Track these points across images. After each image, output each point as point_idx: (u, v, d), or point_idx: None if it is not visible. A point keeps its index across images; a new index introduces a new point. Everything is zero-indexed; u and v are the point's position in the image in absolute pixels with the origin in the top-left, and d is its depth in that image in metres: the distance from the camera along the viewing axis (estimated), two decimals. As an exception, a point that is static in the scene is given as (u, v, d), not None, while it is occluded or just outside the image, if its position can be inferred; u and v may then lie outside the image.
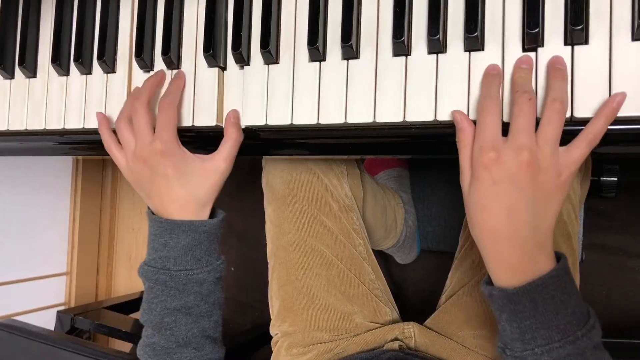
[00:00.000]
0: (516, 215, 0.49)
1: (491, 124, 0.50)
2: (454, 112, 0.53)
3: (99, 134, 0.71)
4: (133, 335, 1.25)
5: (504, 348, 0.53)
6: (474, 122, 0.52)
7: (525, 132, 0.48)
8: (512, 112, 0.50)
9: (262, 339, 1.11)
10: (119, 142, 0.65)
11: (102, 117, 0.68)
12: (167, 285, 0.62)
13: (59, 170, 1.65)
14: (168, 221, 0.62)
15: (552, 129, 0.48)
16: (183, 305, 0.62)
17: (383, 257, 1.26)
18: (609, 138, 0.50)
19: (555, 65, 0.51)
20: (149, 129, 0.62)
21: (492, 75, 0.52)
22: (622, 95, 0.48)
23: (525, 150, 0.48)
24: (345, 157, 0.79)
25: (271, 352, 0.81)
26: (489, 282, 0.54)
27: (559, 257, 0.52)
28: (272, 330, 0.82)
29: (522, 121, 0.49)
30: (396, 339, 0.77)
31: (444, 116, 0.54)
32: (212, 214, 0.66)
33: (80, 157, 1.65)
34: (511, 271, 0.51)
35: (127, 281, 1.75)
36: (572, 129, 0.50)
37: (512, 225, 0.49)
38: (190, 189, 0.62)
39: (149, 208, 0.66)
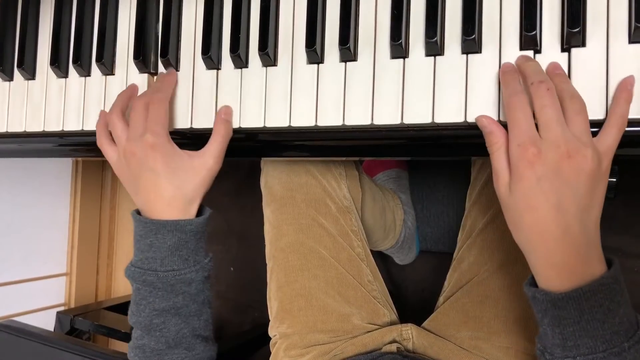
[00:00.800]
0: (565, 211, 0.47)
1: (524, 119, 0.48)
2: (479, 117, 0.52)
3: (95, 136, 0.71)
4: (131, 334, 1.25)
5: (544, 351, 0.51)
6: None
7: (557, 124, 0.47)
8: (534, 106, 0.49)
9: (261, 340, 1.11)
10: (111, 139, 0.65)
11: (103, 114, 0.68)
12: (154, 286, 0.61)
13: (59, 171, 1.65)
14: (153, 221, 0.61)
15: (583, 119, 0.47)
16: (172, 306, 0.62)
17: (382, 258, 1.26)
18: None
19: (556, 70, 0.50)
20: (142, 124, 0.61)
21: (509, 72, 0.51)
22: (631, 77, 0.48)
23: (563, 142, 0.46)
24: (343, 159, 0.79)
25: (270, 352, 0.82)
26: (532, 283, 0.52)
27: (610, 262, 0.49)
28: (271, 332, 0.82)
29: (549, 113, 0.47)
30: (394, 341, 0.77)
31: (441, 118, 0.54)
32: (199, 212, 0.65)
33: (80, 158, 1.65)
34: (562, 273, 0.48)
35: (127, 282, 1.74)
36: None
37: (562, 222, 0.47)
38: (178, 184, 0.61)
39: (134, 210, 0.65)
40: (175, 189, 0.61)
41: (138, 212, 0.64)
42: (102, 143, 0.65)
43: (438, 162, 1.25)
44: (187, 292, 0.62)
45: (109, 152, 0.65)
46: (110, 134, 0.65)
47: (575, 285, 0.47)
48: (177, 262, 0.61)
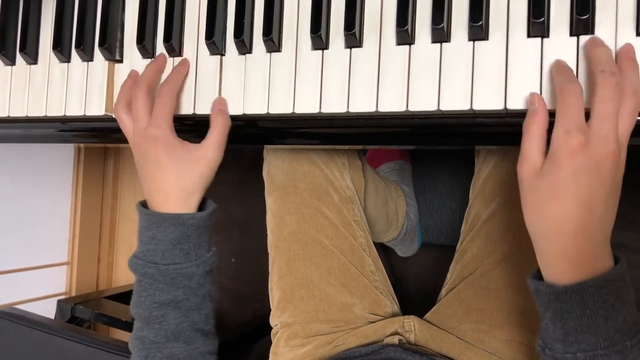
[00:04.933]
0: (594, 208, 0.45)
1: (577, 107, 0.46)
2: (531, 93, 0.50)
3: (100, 121, 0.71)
4: (133, 324, 1.25)
5: (544, 347, 0.50)
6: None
7: (611, 121, 0.45)
8: (596, 94, 0.46)
9: (262, 330, 1.11)
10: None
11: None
12: (155, 279, 0.61)
13: (61, 160, 1.64)
14: (155, 214, 0.61)
15: (632, 121, 0.46)
16: (172, 299, 0.61)
17: (384, 250, 1.25)
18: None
19: (629, 54, 0.48)
20: (146, 115, 0.61)
21: (565, 65, 0.50)
22: None
23: (613, 141, 0.44)
24: (347, 147, 0.78)
25: (271, 343, 0.81)
26: (537, 276, 0.51)
27: (617, 259, 0.49)
28: (272, 321, 0.82)
29: (610, 107, 0.45)
30: (396, 333, 0.77)
31: (447, 106, 0.54)
32: (203, 205, 0.65)
33: (82, 147, 1.64)
34: (575, 265, 0.47)
35: (128, 271, 1.73)
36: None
37: (585, 218, 0.45)
38: (177, 177, 0.61)
39: (139, 202, 0.65)
40: (174, 181, 0.61)
41: (143, 204, 0.64)
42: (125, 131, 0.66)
43: (441, 154, 1.24)
44: (187, 286, 0.62)
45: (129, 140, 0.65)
46: None
47: (582, 279, 0.46)
48: (178, 255, 0.61)
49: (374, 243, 0.85)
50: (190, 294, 0.62)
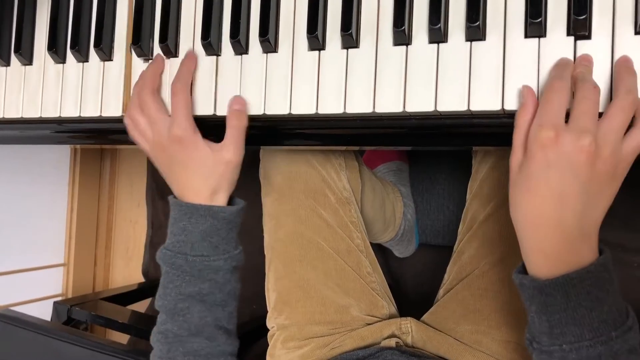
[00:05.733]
0: (565, 203, 0.46)
1: (557, 103, 0.47)
2: (523, 86, 0.51)
3: (96, 123, 0.71)
4: (130, 326, 1.24)
5: (532, 341, 0.51)
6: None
7: (588, 116, 0.46)
8: (575, 99, 0.47)
9: (259, 332, 1.11)
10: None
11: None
12: (182, 270, 0.62)
13: (57, 161, 1.64)
14: (188, 205, 0.62)
15: (622, 119, 0.46)
16: (198, 292, 0.62)
17: (382, 251, 1.25)
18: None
19: (625, 63, 0.49)
20: (162, 117, 0.62)
21: (565, 63, 0.50)
22: None
23: (587, 135, 0.45)
24: (343, 148, 0.78)
25: (268, 345, 0.81)
26: (522, 270, 0.51)
27: (600, 252, 0.49)
28: (269, 323, 0.81)
29: (586, 105, 0.46)
30: (393, 335, 0.76)
31: (444, 107, 0.54)
32: (232, 203, 0.66)
33: (78, 148, 1.64)
34: (550, 260, 0.48)
35: (124, 273, 1.74)
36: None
37: (558, 212, 0.46)
38: (203, 175, 0.62)
39: (171, 196, 0.66)
40: (203, 179, 0.62)
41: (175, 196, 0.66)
42: (134, 136, 0.66)
43: (439, 155, 1.24)
44: (214, 280, 0.63)
45: (142, 145, 0.65)
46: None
47: (562, 273, 0.47)
48: (207, 248, 0.62)
49: (371, 244, 0.85)
50: (215, 289, 0.63)
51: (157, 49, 0.67)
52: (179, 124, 0.61)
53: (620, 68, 0.49)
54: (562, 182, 0.46)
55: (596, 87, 0.47)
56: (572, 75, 0.49)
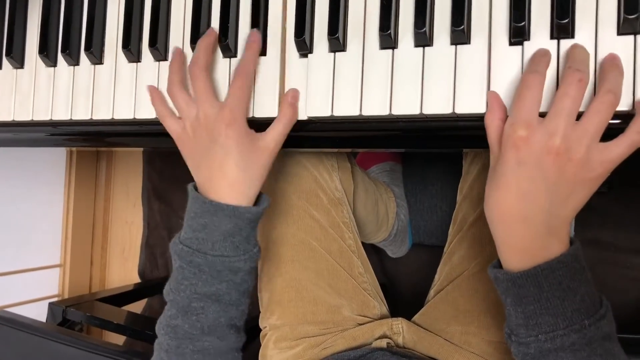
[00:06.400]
0: (533, 201, 0.47)
1: (530, 99, 0.47)
2: (488, 92, 0.52)
3: (90, 125, 0.71)
4: (125, 327, 1.24)
5: (510, 334, 0.52)
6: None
7: (563, 116, 0.45)
8: (558, 91, 0.47)
9: (252, 332, 1.12)
10: (172, 111, 0.63)
11: (154, 90, 0.66)
12: (200, 269, 0.59)
13: (53, 162, 1.64)
14: (212, 203, 0.58)
15: (598, 121, 0.45)
16: (214, 292, 0.60)
17: (376, 251, 1.25)
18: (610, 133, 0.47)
19: (613, 61, 0.48)
20: (213, 96, 0.60)
21: (542, 54, 0.50)
22: None
23: (558, 137, 0.45)
24: (333, 150, 0.79)
25: (260, 345, 0.81)
26: (497, 265, 0.53)
27: (572, 242, 0.50)
28: (261, 323, 0.82)
29: (565, 103, 0.46)
30: (384, 336, 0.77)
31: (429, 110, 0.54)
32: (258, 198, 0.63)
33: (74, 149, 1.64)
34: (521, 255, 0.49)
35: (120, 274, 1.75)
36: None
37: (526, 210, 0.47)
38: (244, 166, 0.59)
39: (191, 184, 0.63)
40: (241, 170, 0.59)
41: (196, 188, 0.62)
42: (164, 115, 0.63)
43: (432, 156, 1.25)
44: (231, 280, 0.61)
45: (172, 125, 0.62)
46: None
47: (532, 265, 0.48)
48: (228, 248, 0.59)
49: (364, 244, 0.85)
50: (232, 289, 0.61)
51: (146, 53, 0.67)
52: (232, 107, 0.58)
53: (605, 66, 0.48)
54: (530, 181, 0.47)
55: (582, 81, 0.46)
56: (568, 52, 0.49)
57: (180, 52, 0.64)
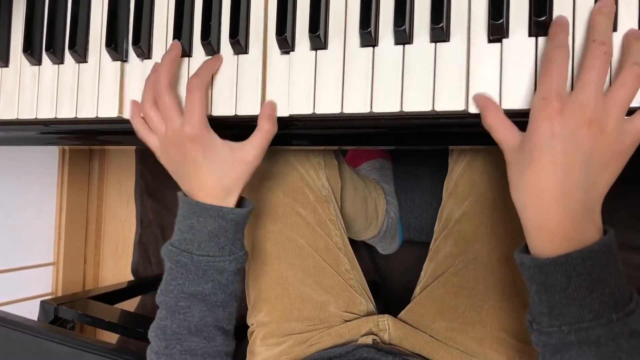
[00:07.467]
0: (570, 175, 0.45)
1: (558, 73, 0.46)
2: (474, 96, 0.51)
3: (83, 124, 0.71)
4: (117, 325, 1.24)
5: (532, 321, 0.50)
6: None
7: (592, 88, 0.45)
8: (583, 63, 0.46)
9: (241, 331, 1.12)
10: (150, 128, 0.64)
11: (135, 105, 0.66)
12: (187, 268, 0.61)
13: (46, 160, 1.64)
14: (198, 204, 0.61)
15: (625, 93, 0.45)
16: (200, 291, 0.61)
17: (368, 248, 1.26)
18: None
19: (635, 32, 0.47)
20: (177, 113, 0.60)
21: (561, 24, 0.49)
22: None
23: (589, 108, 0.44)
24: (318, 147, 0.79)
25: (248, 342, 0.82)
26: (524, 250, 0.50)
27: (606, 231, 0.48)
28: (249, 321, 0.82)
29: (592, 75, 0.45)
30: (370, 333, 0.77)
31: (409, 107, 0.54)
32: (240, 205, 0.65)
33: (67, 148, 1.64)
34: (554, 237, 0.46)
35: (114, 272, 1.75)
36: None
37: (563, 186, 0.45)
38: (219, 175, 0.61)
39: (181, 191, 0.65)
40: (217, 179, 0.61)
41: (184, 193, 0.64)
42: (143, 134, 0.65)
43: (422, 153, 1.25)
44: (217, 281, 0.62)
45: (151, 142, 0.64)
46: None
47: (566, 252, 0.45)
48: (213, 248, 0.61)
49: (355, 241, 0.86)
50: (218, 290, 0.62)
51: (130, 51, 0.67)
52: (191, 122, 0.59)
53: (629, 40, 0.48)
54: (566, 154, 0.45)
55: (607, 54, 0.46)
56: (591, 22, 0.48)
57: (157, 69, 0.64)
